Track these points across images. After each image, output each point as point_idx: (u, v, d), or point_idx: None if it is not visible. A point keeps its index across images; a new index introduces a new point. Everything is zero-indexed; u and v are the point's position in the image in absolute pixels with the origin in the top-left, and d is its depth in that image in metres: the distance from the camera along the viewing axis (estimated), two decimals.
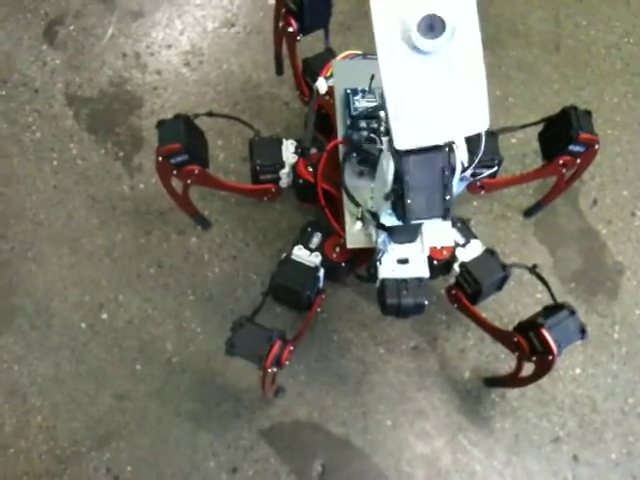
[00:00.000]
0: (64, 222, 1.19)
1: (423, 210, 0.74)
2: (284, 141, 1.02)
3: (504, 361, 1.10)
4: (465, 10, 0.65)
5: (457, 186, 0.91)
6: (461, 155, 0.97)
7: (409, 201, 0.73)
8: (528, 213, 1.22)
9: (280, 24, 1.05)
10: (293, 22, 1.01)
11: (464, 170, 0.93)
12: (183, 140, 0.94)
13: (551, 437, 1.09)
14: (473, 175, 1.03)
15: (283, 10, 1.02)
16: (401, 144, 0.68)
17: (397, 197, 0.75)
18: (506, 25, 1.41)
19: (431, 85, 0.67)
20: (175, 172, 0.98)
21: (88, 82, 1.31)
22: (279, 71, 1.18)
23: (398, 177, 0.73)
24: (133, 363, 1.10)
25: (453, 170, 0.74)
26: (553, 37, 1.40)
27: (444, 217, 0.74)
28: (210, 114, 1.05)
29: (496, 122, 1.27)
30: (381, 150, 0.86)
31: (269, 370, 0.87)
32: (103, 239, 1.18)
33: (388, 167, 0.75)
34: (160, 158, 0.95)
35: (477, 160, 0.92)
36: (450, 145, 0.73)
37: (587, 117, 1.00)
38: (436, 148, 0.72)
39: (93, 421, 1.07)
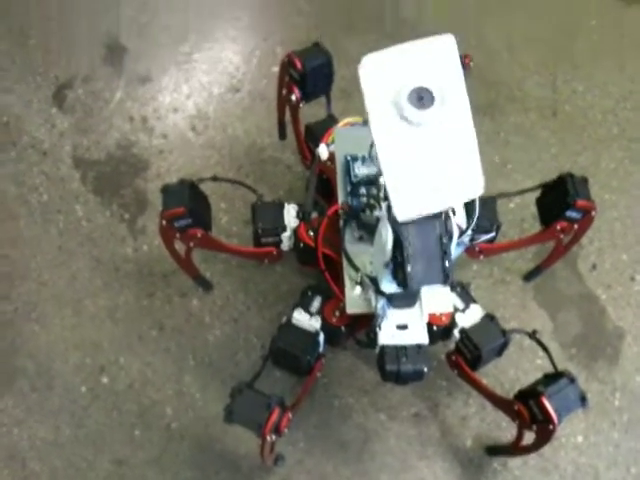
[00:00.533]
0: (67, 283, 1.20)
1: (423, 277, 0.75)
2: (286, 205, 1.04)
3: (506, 429, 1.09)
4: (453, 81, 0.67)
5: (454, 251, 0.92)
6: (459, 220, 0.99)
7: (409, 269, 0.74)
8: (527, 277, 1.23)
9: (283, 92, 1.08)
10: (296, 90, 1.04)
11: (461, 235, 0.94)
12: (187, 204, 0.96)
13: None
14: (471, 240, 1.05)
15: (286, 78, 1.05)
16: (401, 215, 0.70)
17: (397, 265, 0.76)
18: (504, 91, 1.44)
19: (426, 155, 0.68)
20: (178, 235, 0.99)
21: (95, 145, 1.34)
22: (282, 136, 1.21)
23: (397, 245, 0.75)
24: (132, 428, 1.09)
25: (450, 236, 0.76)
26: (550, 103, 1.43)
27: (444, 283, 0.75)
28: (214, 179, 1.07)
29: (495, 187, 1.29)
30: (378, 219, 0.87)
31: (268, 438, 0.87)
32: (106, 300, 1.19)
33: (387, 236, 0.76)
34: (164, 222, 0.97)
35: (473, 225, 0.94)
36: (447, 212, 0.75)
37: (583, 184, 1.02)
38: (433, 216, 0.73)
39: None
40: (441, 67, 0.67)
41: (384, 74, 0.66)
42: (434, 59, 0.67)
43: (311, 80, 1.03)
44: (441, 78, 0.66)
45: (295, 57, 1.02)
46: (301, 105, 1.07)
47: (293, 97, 1.05)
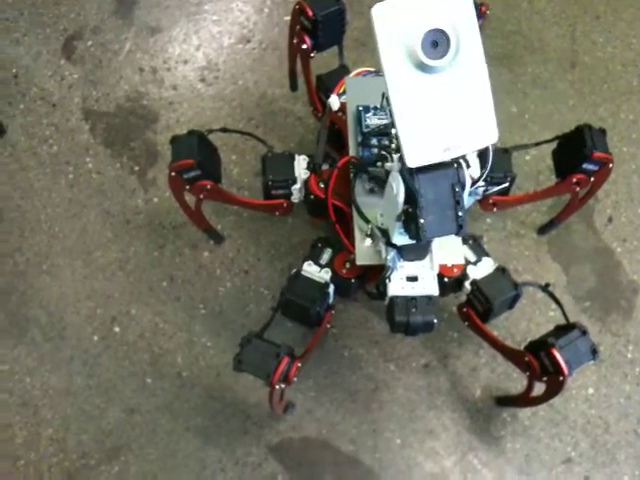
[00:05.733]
0: (78, 235, 1.20)
1: (436, 228, 0.74)
2: (296, 157, 1.03)
3: (516, 380, 1.09)
4: (467, 26, 0.65)
5: (467, 201, 0.91)
6: (473, 171, 0.98)
7: (422, 221, 0.73)
8: (542, 231, 1.21)
9: (294, 41, 1.05)
10: (307, 39, 1.02)
11: (474, 184, 0.93)
12: (196, 156, 0.95)
13: (563, 458, 1.07)
14: (485, 191, 1.04)
15: (297, 27, 1.03)
16: (412, 161, 0.69)
17: (409, 217, 0.76)
18: (523, 42, 1.40)
19: (438, 101, 0.67)
20: (187, 187, 0.99)
21: (105, 97, 1.33)
22: (293, 87, 1.19)
23: (410, 197, 0.74)
24: (144, 376, 1.10)
25: (463, 186, 0.74)
26: (569, 54, 1.40)
27: (457, 233, 0.75)
28: (223, 130, 1.06)
29: (511, 138, 1.27)
30: (389, 171, 0.86)
31: (276, 386, 0.87)
32: (116, 252, 1.19)
33: (399, 189, 0.75)
34: (173, 173, 0.96)
35: (485, 175, 0.92)
36: (458, 161, 0.74)
37: (601, 136, 1.00)
38: (445, 165, 0.72)
39: (103, 434, 1.07)
40: (455, 11, 0.65)
41: (397, 19, 0.64)
42: (448, 2, 0.65)
43: (322, 29, 1.01)
44: (455, 23, 0.64)
45: (306, 5, 0.99)
46: (312, 55, 1.05)
47: (304, 46, 1.02)
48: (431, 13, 0.64)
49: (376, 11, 0.64)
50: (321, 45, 1.04)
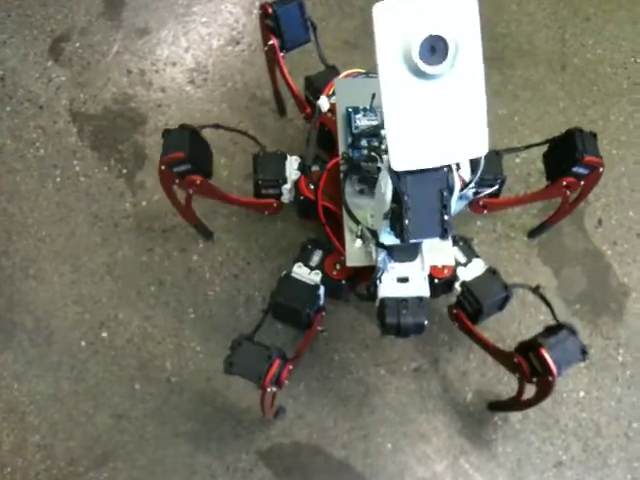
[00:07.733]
0: (66, 239, 1.19)
1: (421, 230, 0.73)
2: (288, 157, 1.02)
3: (507, 383, 1.09)
4: (469, 34, 0.64)
5: (456, 204, 0.91)
6: (463, 174, 0.97)
7: (407, 221, 0.72)
8: (532, 234, 1.21)
9: (265, 49, 1.06)
10: (274, 38, 1.03)
11: (462, 189, 0.93)
12: (187, 150, 0.94)
13: (554, 461, 1.07)
14: (475, 193, 1.03)
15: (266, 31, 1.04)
16: (398, 166, 0.68)
17: (395, 217, 0.75)
18: (513, 44, 1.40)
19: (431, 109, 0.66)
20: (177, 181, 0.98)
21: (92, 99, 1.31)
22: (281, 111, 1.21)
23: (396, 197, 0.73)
24: (132, 382, 1.09)
25: (451, 190, 0.74)
26: (559, 56, 1.40)
27: (442, 237, 0.74)
28: (216, 126, 1.05)
29: (501, 141, 1.27)
30: (379, 169, 0.86)
31: (268, 389, 0.87)
32: (104, 256, 1.18)
33: (386, 187, 0.74)
34: (163, 166, 0.95)
35: (475, 180, 0.92)
36: (449, 165, 0.73)
37: (592, 139, 0.99)
38: (435, 168, 0.71)
39: (91, 440, 1.06)
40: (459, 19, 0.63)
41: (398, 20, 0.62)
42: (452, 9, 0.63)
43: (285, 24, 1.02)
44: (457, 31, 0.62)
45: (267, 5, 1.01)
46: (282, 54, 1.05)
47: (269, 43, 1.03)
48: (433, 18, 0.62)
49: (377, 10, 0.62)
50: (288, 41, 1.05)
